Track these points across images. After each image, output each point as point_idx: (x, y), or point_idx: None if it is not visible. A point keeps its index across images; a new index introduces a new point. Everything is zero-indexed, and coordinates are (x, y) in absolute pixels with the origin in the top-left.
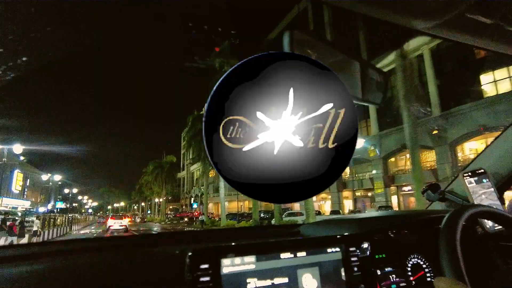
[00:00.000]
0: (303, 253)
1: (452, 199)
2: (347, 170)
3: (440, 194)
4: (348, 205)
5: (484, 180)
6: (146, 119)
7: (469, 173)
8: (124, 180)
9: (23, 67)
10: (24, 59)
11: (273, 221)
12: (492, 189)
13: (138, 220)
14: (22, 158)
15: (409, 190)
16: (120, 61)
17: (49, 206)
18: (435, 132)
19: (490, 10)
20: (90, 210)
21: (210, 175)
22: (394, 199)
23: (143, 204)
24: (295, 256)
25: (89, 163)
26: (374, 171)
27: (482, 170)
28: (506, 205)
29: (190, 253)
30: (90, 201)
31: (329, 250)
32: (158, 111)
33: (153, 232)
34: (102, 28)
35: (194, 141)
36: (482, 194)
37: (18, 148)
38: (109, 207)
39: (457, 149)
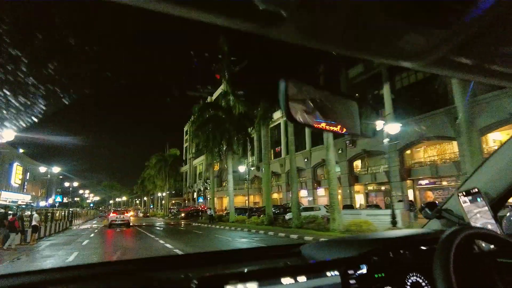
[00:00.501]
0: (304, 278)
1: (448, 217)
2: (359, 163)
3: (437, 212)
4: (359, 199)
5: (478, 199)
6: (149, 112)
7: (464, 193)
8: (127, 174)
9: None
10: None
11: (287, 216)
12: (487, 208)
13: (141, 214)
14: (21, 150)
15: (426, 184)
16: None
17: (50, 201)
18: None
19: (470, 52)
20: (91, 205)
21: (214, 168)
22: (410, 193)
23: (145, 198)
24: (296, 281)
25: (90, 157)
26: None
27: (476, 190)
28: (503, 221)
29: (195, 281)
30: (91, 195)
31: (328, 274)
32: (160, 104)
33: (154, 256)
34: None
35: (201, 131)
36: (477, 213)
37: (9, 134)
38: (111, 201)
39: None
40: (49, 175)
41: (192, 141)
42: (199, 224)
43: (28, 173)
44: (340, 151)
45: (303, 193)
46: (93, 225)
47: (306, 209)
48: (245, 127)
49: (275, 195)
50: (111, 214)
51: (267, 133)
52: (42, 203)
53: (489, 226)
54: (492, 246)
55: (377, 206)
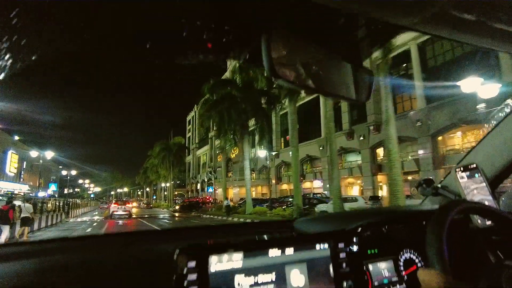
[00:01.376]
0: (291, 250)
1: (444, 194)
2: (381, 151)
3: (434, 189)
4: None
5: (476, 175)
6: (151, 101)
7: (461, 168)
8: (128, 165)
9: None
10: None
11: (319, 208)
12: (484, 184)
13: (143, 206)
14: (16, 137)
15: None
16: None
17: (49, 191)
18: None
19: (472, 7)
20: (92, 195)
21: (219, 159)
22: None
23: (147, 189)
24: (283, 252)
25: (92, 147)
26: (421, 151)
27: (474, 165)
28: (502, 198)
29: (177, 250)
30: (92, 185)
31: (317, 246)
32: (163, 93)
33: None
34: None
35: (215, 111)
36: (474, 189)
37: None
38: (112, 192)
39: None
40: (44, 162)
41: (202, 125)
42: (211, 215)
43: (25, 162)
44: (362, 138)
45: (316, 183)
46: (93, 217)
47: (345, 200)
48: (264, 106)
49: (284, 186)
50: (112, 205)
51: (294, 111)
52: (42, 194)
53: (487, 203)
54: (488, 223)
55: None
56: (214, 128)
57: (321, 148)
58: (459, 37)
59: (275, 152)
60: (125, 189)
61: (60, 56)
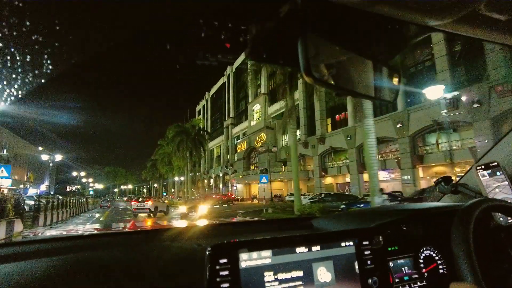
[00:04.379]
0: (317, 247)
1: (465, 192)
2: (422, 139)
3: (453, 187)
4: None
5: (498, 173)
6: (157, 93)
7: (482, 166)
8: (130, 162)
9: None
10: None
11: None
12: (506, 182)
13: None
14: None
15: None
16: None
17: (43, 187)
18: None
19: (503, 6)
20: (91, 192)
21: (238, 150)
22: None
23: (156, 185)
24: (310, 250)
25: (93, 141)
26: (477, 139)
27: (496, 163)
28: None
29: (209, 248)
30: (90, 180)
31: (342, 244)
32: (170, 85)
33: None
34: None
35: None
36: (496, 187)
37: None
38: (116, 189)
39: None
40: (34, 153)
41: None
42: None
43: (5, 150)
44: (399, 125)
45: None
46: (94, 217)
47: None
48: None
49: (328, 179)
50: (133, 203)
51: None
52: (32, 191)
53: (509, 201)
54: (510, 221)
55: None
56: (231, 115)
57: (399, 126)
58: (490, 37)
59: (318, 137)
60: (130, 186)
61: (61, 50)
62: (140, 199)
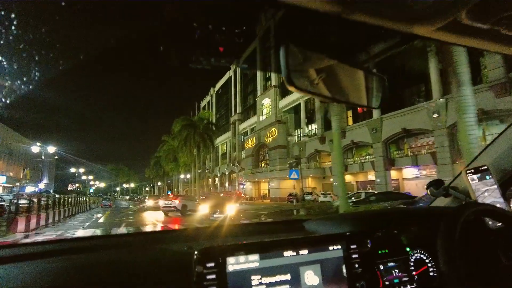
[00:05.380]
0: (305, 251)
1: (455, 195)
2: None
3: (444, 190)
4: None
5: (487, 177)
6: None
7: (472, 170)
8: (132, 160)
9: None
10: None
11: None
12: (495, 186)
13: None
14: None
15: None
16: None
17: (42, 185)
18: None
19: (485, 15)
20: (91, 190)
21: (249, 145)
22: None
23: (159, 183)
24: (298, 254)
25: (94, 139)
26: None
27: (485, 167)
28: None
29: (197, 252)
30: (91, 177)
31: (330, 247)
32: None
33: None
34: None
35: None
36: (485, 191)
37: None
38: (118, 188)
39: None
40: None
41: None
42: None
43: None
44: (435, 115)
45: (408, 173)
46: (91, 218)
47: None
48: None
49: (347, 177)
50: (160, 201)
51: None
52: (29, 189)
53: (498, 205)
54: (499, 224)
55: None
56: (238, 111)
57: (373, 131)
58: (473, 44)
59: (321, 136)
60: (132, 185)
61: (65, 47)
62: (170, 196)
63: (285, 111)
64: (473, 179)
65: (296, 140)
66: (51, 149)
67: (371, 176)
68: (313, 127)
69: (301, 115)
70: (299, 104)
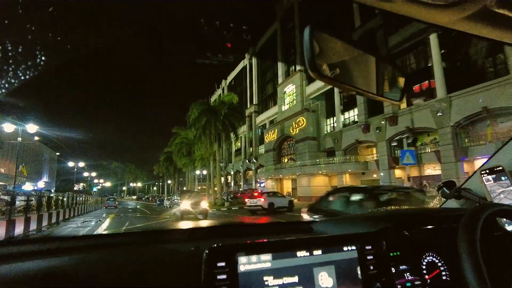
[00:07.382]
0: (319, 252)
1: (468, 197)
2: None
3: (456, 192)
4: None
5: (503, 178)
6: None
7: (487, 171)
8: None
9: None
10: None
11: None
12: (511, 188)
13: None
14: None
15: None
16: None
17: (41, 184)
18: None
19: None
20: (94, 189)
21: (266, 140)
22: None
23: (169, 181)
24: (311, 254)
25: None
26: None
27: (501, 167)
28: None
29: (207, 251)
30: (94, 174)
31: (344, 248)
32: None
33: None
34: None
35: None
36: (501, 193)
37: None
38: (124, 187)
39: None
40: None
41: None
42: None
43: None
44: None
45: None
46: (90, 223)
47: None
48: None
49: (397, 172)
50: (246, 199)
51: None
52: (28, 187)
53: None
54: None
55: None
56: (254, 102)
57: (439, 115)
58: (501, 36)
59: (387, 115)
60: (139, 184)
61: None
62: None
63: (313, 97)
64: (488, 180)
65: (327, 131)
66: (32, 127)
67: (430, 170)
68: (351, 114)
69: (334, 101)
70: (332, 89)
